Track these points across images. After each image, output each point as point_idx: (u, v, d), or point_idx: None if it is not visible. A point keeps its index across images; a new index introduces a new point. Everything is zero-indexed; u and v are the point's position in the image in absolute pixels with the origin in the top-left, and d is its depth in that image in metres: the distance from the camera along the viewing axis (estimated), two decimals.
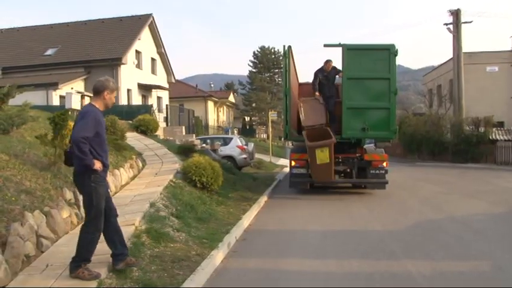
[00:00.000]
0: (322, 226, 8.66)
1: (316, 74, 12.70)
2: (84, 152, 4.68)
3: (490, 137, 25.68)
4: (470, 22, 27.92)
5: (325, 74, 12.56)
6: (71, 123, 7.99)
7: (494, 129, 26.62)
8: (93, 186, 4.88)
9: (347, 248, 6.99)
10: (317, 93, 12.41)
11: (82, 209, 7.24)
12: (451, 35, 27.78)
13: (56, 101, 23.93)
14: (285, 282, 5.45)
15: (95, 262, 5.25)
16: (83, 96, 21.12)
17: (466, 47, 28.47)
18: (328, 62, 12.56)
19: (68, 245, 5.88)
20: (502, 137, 25.99)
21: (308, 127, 11.46)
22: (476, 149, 25.45)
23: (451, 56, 28.58)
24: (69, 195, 7.13)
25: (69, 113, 9.53)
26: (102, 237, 6.22)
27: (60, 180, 7.33)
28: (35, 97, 16.53)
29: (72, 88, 23.72)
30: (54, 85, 24.22)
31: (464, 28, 27.64)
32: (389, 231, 8.15)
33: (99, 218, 4.99)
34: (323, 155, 10.68)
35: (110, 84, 5.10)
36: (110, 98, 5.08)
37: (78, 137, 4.66)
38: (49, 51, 29.18)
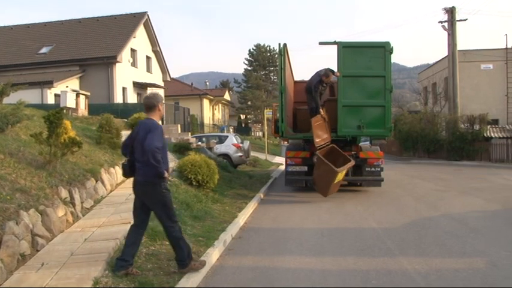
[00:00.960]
0: (318, 224, 8.68)
1: (316, 88, 11.93)
2: (158, 161, 5.03)
3: (485, 135, 25.78)
4: (465, 20, 27.96)
5: (324, 85, 12.20)
6: (66, 122, 8.00)
7: (489, 126, 26.72)
8: (165, 192, 5.26)
9: (343, 246, 7.01)
10: (322, 111, 11.68)
11: (77, 207, 7.25)
12: (446, 33, 27.85)
13: (50, 100, 23.83)
14: (281, 280, 5.45)
15: (90, 261, 5.25)
16: (78, 95, 21.07)
17: (461, 44, 28.65)
18: (329, 75, 11.89)
19: (63, 244, 5.88)
20: (496, 135, 26.11)
21: (320, 147, 11.38)
22: (471, 147, 25.57)
23: (446, 53, 28.64)
24: (64, 193, 7.12)
25: (64, 111, 9.48)
26: (93, 236, 6.22)
27: (55, 179, 7.30)
28: (29, 95, 16.50)
29: (67, 86, 23.65)
30: (49, 83, 24.11)
31: (459, 26, 27.68)
32: (385, 228, 8.18)
33: (175, 215, 5.44)
34: (341, 175, 10.76)
35: (160, 97, 5.61)
36: (162, 109, 5.52)
37: (153, 148, 4.99)
38: (44, 50, 29.05)
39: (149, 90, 31.51)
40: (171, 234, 5.31)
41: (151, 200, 5.27)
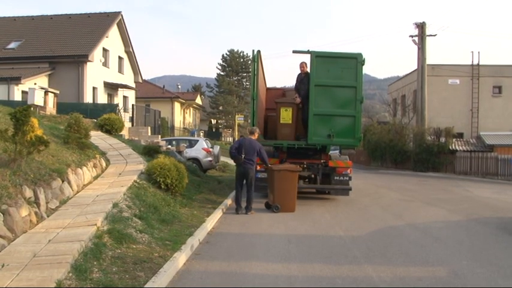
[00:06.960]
0: (286, 230, 8.71)
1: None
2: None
3: (450, 147, 26.54)
4: (435, 35, 28.82)
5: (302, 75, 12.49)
6: (34, 120, 7.83)
7: (454, 140, 27.53)
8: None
9: (310, 253, 7.06)
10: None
11: (42, 208, 7.09)
12: (416, 47, 28.52)
13: (18, 96, 23.24)
14: (247, 285, 5.45)
15: (53, 263, 5.14)
16: (46, 93, 20.60)
17: (430, 59, 29.36)
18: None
19: (26, 245, 5.72)
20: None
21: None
22: (436, 159, 26.26)
23: (416, 67, 29.31)
24: (29, 193, 6.94)
25: (32, 109, 9.25)
26: (57, 237, 6.10)
27: (19, 178, 7.12)
28: None
29: (35, 83, 23.06)
30: (16, 80, 23.51)
31: (428, 41, 28.43)
32: (352, 236, 8.28)
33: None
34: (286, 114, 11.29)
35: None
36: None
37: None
38: (12, 45, 28.29)
39: (120, 91, 31.12)
40: (251, 193, 10.58)
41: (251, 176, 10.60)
